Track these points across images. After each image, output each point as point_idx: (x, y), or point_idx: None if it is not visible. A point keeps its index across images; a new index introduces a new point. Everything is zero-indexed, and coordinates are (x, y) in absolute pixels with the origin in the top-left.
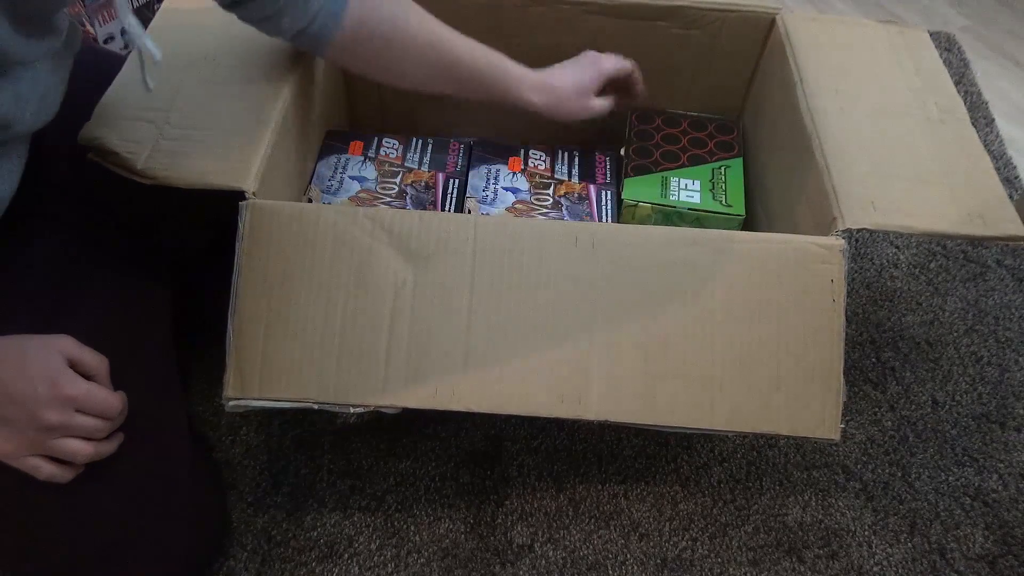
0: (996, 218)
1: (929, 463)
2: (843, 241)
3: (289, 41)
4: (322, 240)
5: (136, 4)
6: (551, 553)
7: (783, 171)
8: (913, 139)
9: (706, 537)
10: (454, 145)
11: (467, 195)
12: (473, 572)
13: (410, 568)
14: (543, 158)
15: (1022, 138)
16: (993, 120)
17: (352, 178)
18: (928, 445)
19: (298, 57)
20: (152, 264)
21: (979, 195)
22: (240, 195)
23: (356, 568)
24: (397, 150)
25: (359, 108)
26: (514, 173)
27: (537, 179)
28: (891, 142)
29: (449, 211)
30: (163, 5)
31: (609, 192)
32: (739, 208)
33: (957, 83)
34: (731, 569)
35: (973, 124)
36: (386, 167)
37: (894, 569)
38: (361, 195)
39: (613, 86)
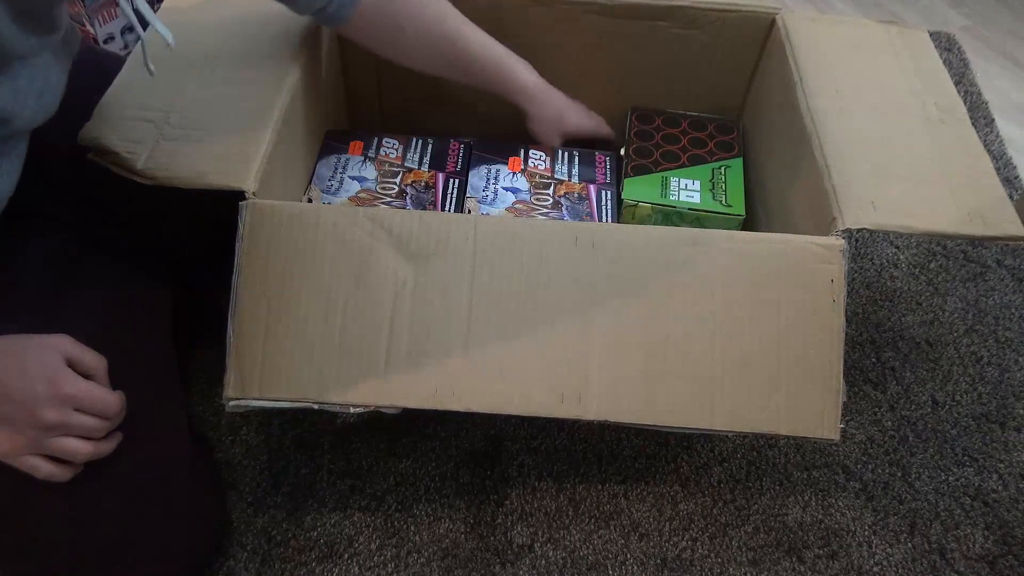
0: (996, 218)
1: (929, 463)
2: (843, 241)
3: (302, 15)
4: (322, 240)
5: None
6: (551, 553)
7: (783, 171)
8: (913, 139)
9: (706, 537)
10: (454, 145)
11: (467, 195)
12: (473, 572)
13: (410, 568)
14: (543, 158)
15: (1022, 138)
16: (993, 120)
17: (352, 178)
18: (928, 445)
19: (298, 57)
20: (152, 264)
21: (979, 195)
22: (240, 195)
23: (356, 568)
24: (397, 150)
25: (359, 108)
26: (514, 173)
27: (537, 179)
28: (891, 142)
29: (449, 211)
30: (163, 4)
31: (609, 192)
32: (739, 208)
33: (957, 83)
34: (731, 569)
35: (973, 124)
36: (386, 167)
37: (894, 569)
38: (361, 195)
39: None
